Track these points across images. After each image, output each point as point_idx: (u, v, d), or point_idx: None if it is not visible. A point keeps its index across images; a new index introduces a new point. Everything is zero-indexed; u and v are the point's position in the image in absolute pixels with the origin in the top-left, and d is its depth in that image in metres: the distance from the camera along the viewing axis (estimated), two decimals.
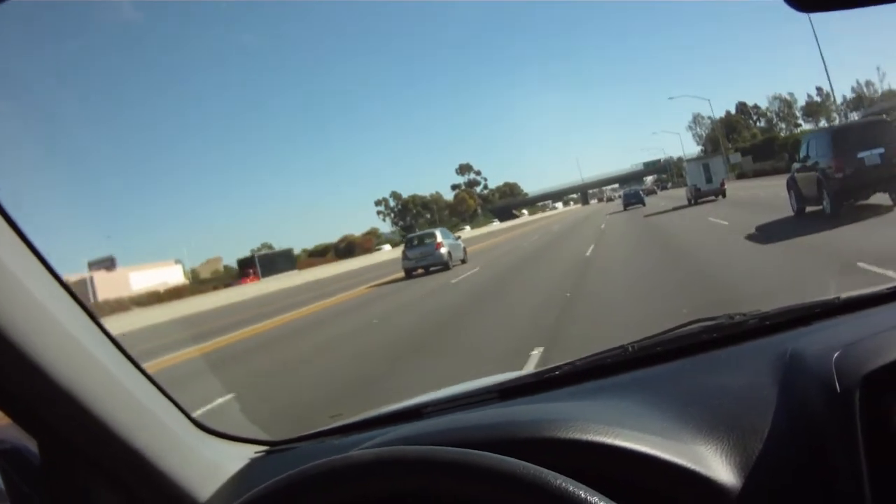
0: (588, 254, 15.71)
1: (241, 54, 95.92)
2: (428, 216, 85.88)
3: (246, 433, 1.48)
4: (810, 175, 12.81)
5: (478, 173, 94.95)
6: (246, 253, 64.63)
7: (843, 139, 12.39)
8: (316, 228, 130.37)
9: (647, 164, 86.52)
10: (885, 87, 56.82)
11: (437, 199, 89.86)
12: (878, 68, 67.56)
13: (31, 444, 1.09)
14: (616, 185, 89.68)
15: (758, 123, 73.14)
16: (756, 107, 74.20)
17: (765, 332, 1.32)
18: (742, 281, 7.79)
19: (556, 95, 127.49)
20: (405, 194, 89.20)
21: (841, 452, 0.91)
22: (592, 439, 0.97)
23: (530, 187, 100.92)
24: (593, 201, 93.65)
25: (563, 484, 0.80)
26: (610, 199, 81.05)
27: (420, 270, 22.75)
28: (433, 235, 23.57)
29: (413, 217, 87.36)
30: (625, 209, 40.30)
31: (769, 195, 19.37)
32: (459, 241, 25.60)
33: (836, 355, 1.00)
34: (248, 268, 55.52)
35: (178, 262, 58.87)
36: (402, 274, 23.09)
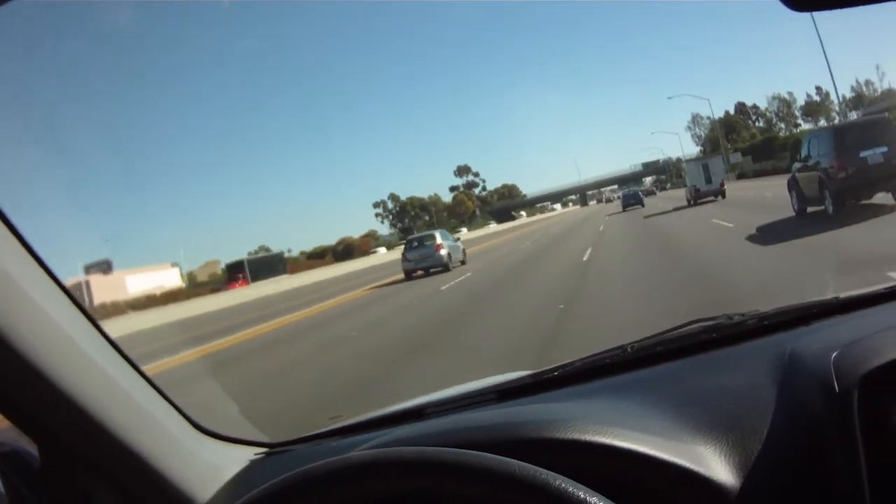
0: (585, 258, 15.07)
1: (238, 56, 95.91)
2: (426, 218, 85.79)
3: (245, 435, 1.48)
4: (812, 175, 12.59)
5: (476, 175, 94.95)
6: (243, 255, 64.26)
7: (845, 138, 12.20)
8: (314, 231, 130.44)
9: (645, 165, 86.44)
10: (885, 85, 56.83)
11: (435, 200, 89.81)
12: (877, 67, 67.60)
13: (31, 447, 1.09)
14: (615, 186, 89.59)
15: (757, 123, 73.09)
16: (755, 107, 74.22)
17: (764, 333, 1.32)
18: (752, 288, 7.48)
19: (554, 96, 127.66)
20: (403, 196, 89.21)
21: (840, 452, 0.91)
22: (591, 440, 0.97)
23: (529, 189, 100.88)
24: (592, 202, 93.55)
25: (563, 484, 0.80)
26: (609, 200, 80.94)
27: (420, 272, 22.76)
28: (433, 237, 23.61)
29: (411, 219, 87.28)
30: (624, 210, 40.19)
31: (770, 195, 19.16)
32: (459, 243, 25.66)
33: (834, 355, 1.00)
34: (237, 272, 54.67)
35: (174, 264, 58.51)
36: (393, 278, 22.91)
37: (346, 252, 70.02)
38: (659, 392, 1.16)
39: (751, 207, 19.32)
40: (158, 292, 44.00)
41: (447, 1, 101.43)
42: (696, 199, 27.52)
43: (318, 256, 72.13)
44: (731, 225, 14.50)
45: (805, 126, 64.76)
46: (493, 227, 72.21)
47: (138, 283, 47.23)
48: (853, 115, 48.28)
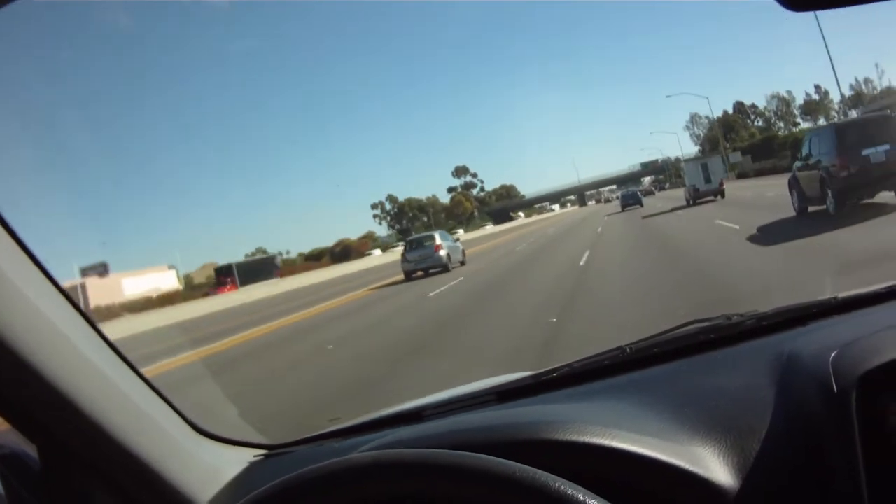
0: (582, 263, 14.27)
1: (236, 58, 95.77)
2: (424, 219, 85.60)
3: (244, 437, 1.47)
4: (813, 174, 12.44)
5: (474, 175, 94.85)
6: (240, 258, 63.81)
7: (847, 136, 11.96)
8: (312, 232, 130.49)
9: (644, 165, 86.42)
10: (885, 83, 56.69)
11: (433, 201, 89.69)
12: (876, 65, 67.43)
13: (30, 449, 1.09)
14: (613, 187, 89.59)
15: (755, 123, 72.93)
16: (753, 106, 74.14)
17: (762, 333, 1.32)
18: (752, 290, 7.19)
19: (553, 96, 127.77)
20: (401, 197, 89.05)
21: (838, 452, 0.91)
22: (590, 441, 0.97)
23: (527, 189, 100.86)
24: (591, 203, 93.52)
25: (562, 487, 0.80)
26: (608, 201, 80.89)
27: (419, 272, 22.88)
28: (432, 238, 23.67)
29: (409, 220, 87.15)
30: (622, 210, 40.08)
31: (771, 194, 18.93)
32: (458, 244, 25.77)
33: (832, 355, 1.00)
34: (225, 276, 53.17)
35: (171, 267, 58.07)
36: (384, 281, 22.64)
37: (344, 254, 69.83)
38: (657, 393, 1.15)
39: (751, 207, 19.17)
40: (154, 295, 43.79)
41: (444, 2, 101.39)
42: (696, 198, 27.40)
43: (316, 258, 71.94)
44: (736, 226, 13.77)
45: (804, 125, 64.71)
46: (490, 228, 71.84)
47: (135, 285, 46.93)
48: (853, 114, 48.16)
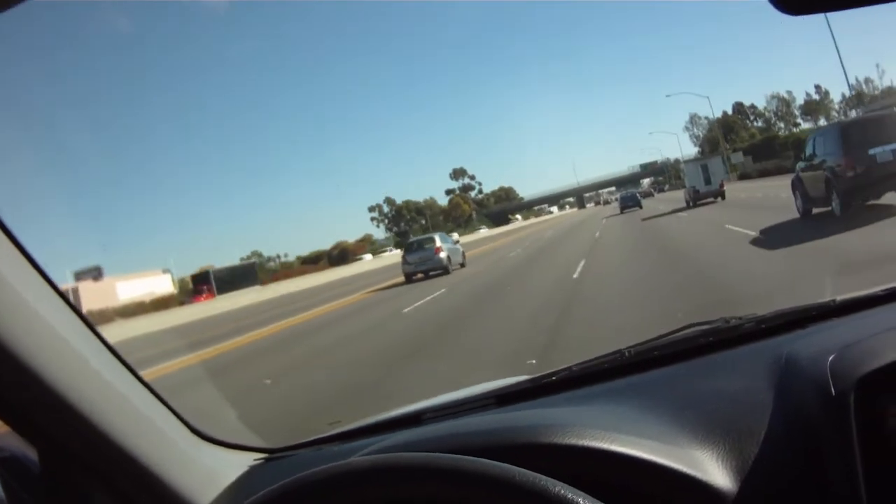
0: (576, 275, 12.67)
1: (234, 61, 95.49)
2: (422, 222, 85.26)
3: (244, 441, 1.45)
4: (817, 174, 12.10)
5: (472, 178, 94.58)
6: (236, 261, 63.15)
7: (852, 135, 11.57)
8: (310, 235, 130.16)
9: (643, 166, 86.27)
10: (885, 83, 56.39)
11: (431, 204, 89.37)
12: (877, 65, 67.09)
13: (31, 452, 1.08)
14: (612, 188, 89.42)
15: (755, 123, 72.62)
16: (753, 107, 73.86)
17: (761, 336, 1.32)
18: (756, 293, 6.82)
19: (552, 97, 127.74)
20: (399, 200, 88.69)
21: (836, 455, 0.90)
22: (589, 444, 0.97)
23: (526, 191, 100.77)
24: (590, 205, 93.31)
25: (562, 490, 0.81)
26: (607, 203, 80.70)
27: (420, 275, 22.95)
28: (432, 240, 23.69)
29: (407, 223, 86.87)
30: (621, 212, 39.80)
31: (774, 195, 18.52)
32: (458, 246, 25.79)
33: (831, 358, 1.00)
34: (202, 284, 50.95)
35: (166, 271, 57.50)
36: (368, 290, 22.15)
37: (341, 256, 69.46)
38: (656, 396, 1.15)
39: (752, 209, 18.89)
40: (148, 299, 43.41)
41: (444, 2, 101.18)
42: (696, 200, 27.15)
43: (314, 261, 71.64)
44: (753, 233, 12.22)
45: (805, 125, 64.39)
46: (484, 231, 71.20)
47: (129, 289, 46.58)
48: (853, 114, 47.85)
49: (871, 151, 10.91)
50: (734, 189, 29.46)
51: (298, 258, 77.55)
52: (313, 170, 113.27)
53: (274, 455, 1.44)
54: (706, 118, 72.44)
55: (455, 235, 53.78)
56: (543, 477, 0.82)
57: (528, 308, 10.28)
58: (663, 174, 79.90)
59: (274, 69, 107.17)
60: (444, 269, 22.47)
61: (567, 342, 6.94)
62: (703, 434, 1.00)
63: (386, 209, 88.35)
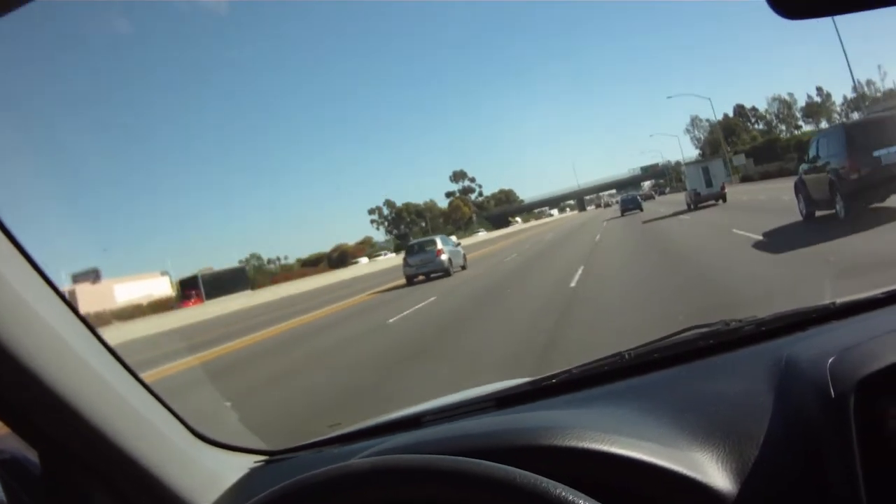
0: (573, 284, 11.75)
1: (233, 64, 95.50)
2: (422, 224, 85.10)
3: (245, 443, 1.45)
4: (821, 177, 11.81)
5: (472, 180, 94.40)
6: (234, 264, 62.72)
7: (856, 136, 11.29)
8: (311, 237, 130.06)
9: (644, 169, 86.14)
10: (888, 85, 56.20)
11: (431, 206, 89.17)
12: (879, 67, 66.90)
13: (32, 454, 1.08)
14: (613, 191, 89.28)
15: (756, 126, 72.46)
16: (754, 109, 73.67)
17: (761, 338, 1.31)
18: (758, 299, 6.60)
19: (552, 99, 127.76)
20: (399, 202, 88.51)
21: (836, 457, 0.90)
22: (589, 447, 0.97)
23: (526, 194, 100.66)
24: (590, 207, 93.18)
25: (562, 492, 0.81)
26: (607, 205, 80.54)
27: (421, 277, 22.98)
28: (433, 242, 23.71)
29: (407, 225, 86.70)
30: (622, 215, 39.66)
31: (777, 198, 18.31)
32: (459, 248, 25.76)
33: (830, 360, 1.00)
34: (190, 289, 49.36)
35: (164, 273, 57.10)
36: (359, 297, 21.72)
37: (341, 259, 69.33)
38: (656, 399, 1.15)
39: (755, 211, 18.74)
40: (146, 302, 43.23)
41: (444, 3, 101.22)
42: (697, 203, 26.99)
43: (314, 263, 71.50)
44: (755, 236, 11.78)
45: (806, 128, 64.24)
46: (482, 234, 70.72)
47: (127, 292, 46.34)
48: (855, 116, 47.67)
49: (876, 153, 10.67)
50: (736, 191, 29.25)
51: (298, 260, 77.45)
52: (313, 171, 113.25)
53: (274, 457, 1.44)
54: (707, 120, 72.41)
55: (453, 238, 53.47)
56: (544, 479, 0.82)
57: (527, 309, 10.20)
58: (664, 176, 79.76)
59: (274, 71, 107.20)
60: (445, 272, 22.46)
61: (567, 344, 6.96)
62: (703, 436, 1.00)
63: (386, 211, 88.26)
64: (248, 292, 43.91)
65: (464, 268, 24.06)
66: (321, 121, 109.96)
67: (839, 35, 42.37)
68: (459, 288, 17.61)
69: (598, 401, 1.22)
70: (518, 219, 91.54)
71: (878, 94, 54.46)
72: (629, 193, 53.01)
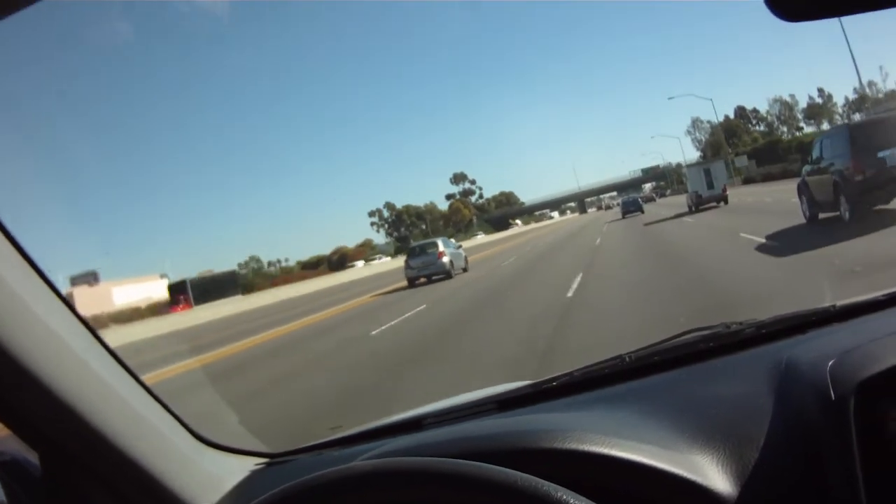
0: (570, 294, 10.82)
1: (233, 67, 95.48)
2: (423, 227, 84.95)
3: (245, 445, 1.45)
4: (824, 178, 11.65)
5: (473, 182, 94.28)
6: (233, 266, 62.43)
7: (860, 137, 11.09)
8: (311, 239, 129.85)
9: (645, 171, 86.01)
10: (889, 86, 56.07)
11: (431, 209, 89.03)
12: (880, 68, 66.69)
13: (32, 456, 1.09)
14: (614, 193, 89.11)
15: (757, 127, 72.32)
16: (755, 110, 73.55)
17: (761, 341, 1.32)
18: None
19: (553, 100, 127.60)
20: (399, 205, 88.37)
21: (836, 460, 0.90)
22: (590, 450, 0.97)
23: (527, 196, 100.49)
24: (591, 210, 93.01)
25: (563, 495, 0.81)
26: (608, 207, 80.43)
27: (423, 279, 22.93)
28: (435, 245, 23.69)
29: (407, 227, 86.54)
30: (623, 217, 39.53)
31: (780, 200, 18.14)
32: (461, 250, 25.68)
33: (831, 363, 1.00)
34: (179, 294, 48.56)
35: (163, 276, 56.83)
36: (349, 304, 21.28)
37: (341, 262, 69.18)
38: (657, 401, 1.15)
39: (757, 213, 18.55)
40: (144, 305, 43.11)
41: (443, 3, 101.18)
42: (698, 205, 26.88)
43: (314, 266, 71.39)
44: (759, 239, 11.47)
45: (808, 129, 64.11)
46: (481, 237, 70.36)
47: (125, 294, 46.22)
48: (857, 117, 47.54)
49: (881, 154, 10.49)
50: (739, 193, 29.10)
51: (299, 263, 77.32)
52: (314, 173, 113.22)
53: (275, 460, 1.44)
54: (708, 122, 72.30)
55: (452, 241, 53.15)
56: (545, 482, 0.82)
57: (511, 338, 8.73)
58: (665, 179, 79.62)
59: (274, 73, 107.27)
60: (446, 274, 22.41)
61: (567, 345, 6.92)
62: (704, 439, 1.00)
63: (386, 214, 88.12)
64: (239, 297, 42.97)
65: (465, 270, 24.05)
66: (321, 123, 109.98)
67: (846, 35, 42.18)
68: (461, 290, 17.45)
69: (599, 403, 1.22)
70: (518, 221, 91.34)
71: (880, 96, 54.37)
72: (630, 196, 52.92)
